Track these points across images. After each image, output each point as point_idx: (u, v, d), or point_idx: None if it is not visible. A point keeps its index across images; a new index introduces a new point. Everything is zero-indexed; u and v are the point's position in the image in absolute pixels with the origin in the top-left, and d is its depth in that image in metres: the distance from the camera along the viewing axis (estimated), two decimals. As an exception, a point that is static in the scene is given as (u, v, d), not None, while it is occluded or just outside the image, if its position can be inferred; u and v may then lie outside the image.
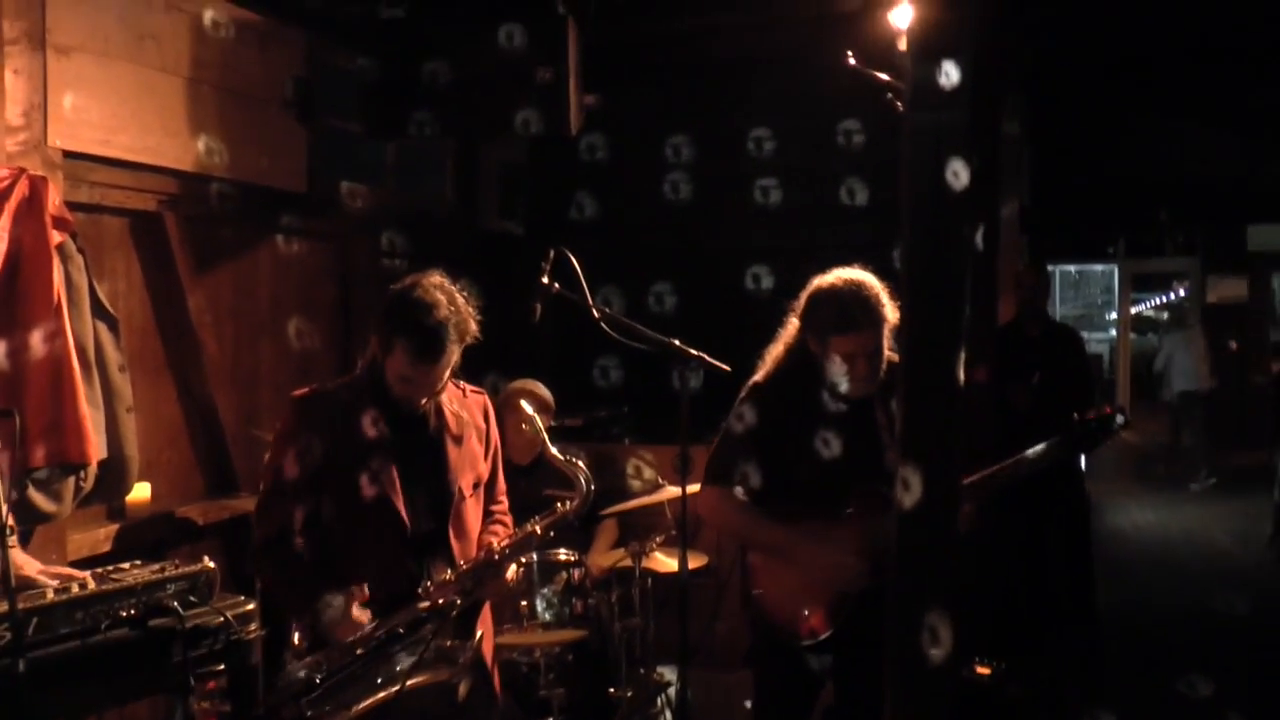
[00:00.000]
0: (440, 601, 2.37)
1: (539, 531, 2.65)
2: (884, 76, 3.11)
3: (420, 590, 2.52)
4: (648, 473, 4.41)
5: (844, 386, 2.87)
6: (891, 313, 2.84)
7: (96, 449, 3.08)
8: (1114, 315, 16.05)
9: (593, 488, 2.71)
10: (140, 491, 3.59)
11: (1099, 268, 18.64)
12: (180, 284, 3.75)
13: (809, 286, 2.95)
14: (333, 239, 4.59)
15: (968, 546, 4.31)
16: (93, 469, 3.11)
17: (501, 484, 2.95)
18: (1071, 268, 19.44)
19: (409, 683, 2.35)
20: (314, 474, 2.57)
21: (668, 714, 3.87)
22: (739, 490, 2.93)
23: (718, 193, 5.95)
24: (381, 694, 2.33)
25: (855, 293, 2.84)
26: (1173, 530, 8.73)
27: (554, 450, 2.72)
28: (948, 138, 1.97)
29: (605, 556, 3.97)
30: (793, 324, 3.04)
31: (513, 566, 2.67)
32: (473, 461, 2.77)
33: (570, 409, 5.21)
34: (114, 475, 3.24)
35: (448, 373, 2.66)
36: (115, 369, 3.23)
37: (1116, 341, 14.33)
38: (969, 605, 4.37)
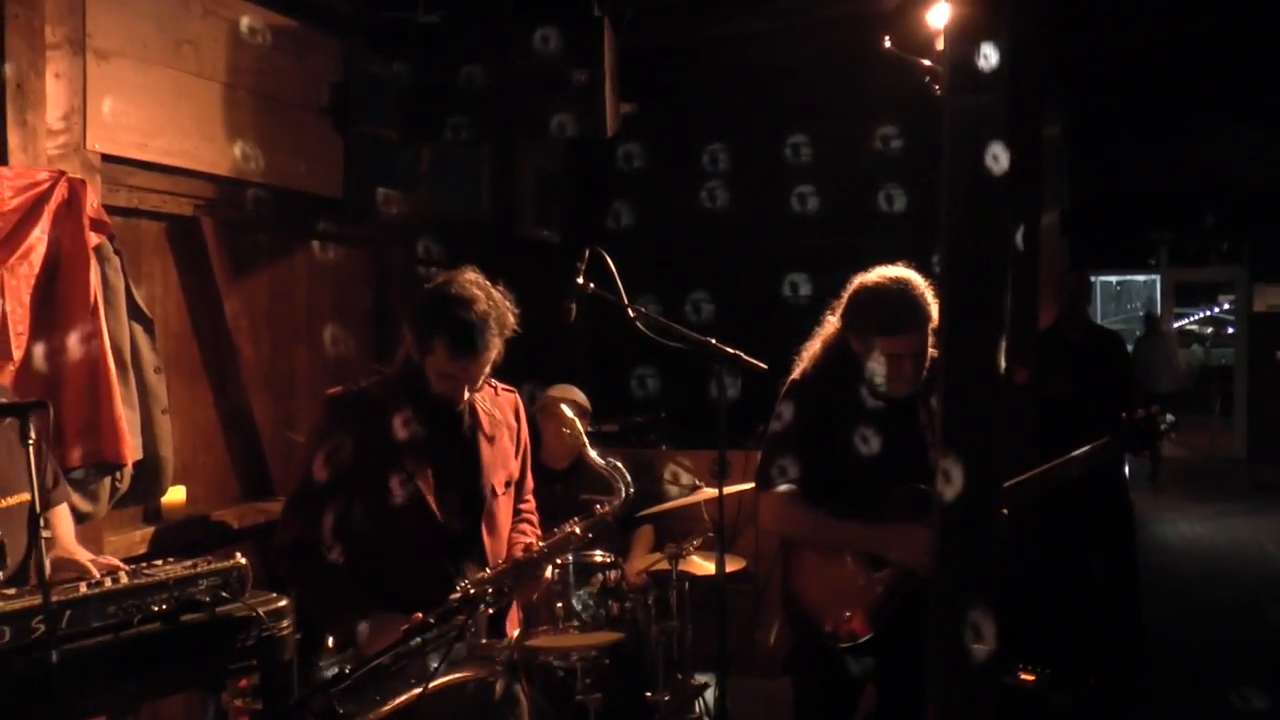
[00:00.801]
0: (472, 591, 2.33)
1: (579, 533, 2.63)
2: (924, 62, 3.07)
3: (456, 591, 2.49)
4: (685, 477, 4.38)
5: (886, 387, 2.82)
6: (936, 312, 2.79)
7: (132, 450, 3.09)
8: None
9: (632, 491, 2.68)
10: (176, 494, 3.60)
11: (1141, 278, 18.39)
12: (217, 288, 3.76)
13: (851, 285, 2.90)
14: (368, 245, 4.60)
15: (1011, 553, 4.26)
16: (128, 470, 3.12)
17: (529, 483, 2.93)
18: (1113, 278, 19.18)
19: (444, 679, 2.32)
20: (346, 474, 2.55)
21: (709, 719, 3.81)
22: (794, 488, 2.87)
23: (754, 200, 5.94)
24: (413, 691, 2.31)
25: (902, 292, 2.79)
26: (1220, 542, 8.55)
27: (594, 454, 2.69)
28: (987, 121, 1.94)
29: (642, 561, 3.93)
30: (831, 322, 3.00)
31: (549, 567, 2.63)
32: (504, 460, 2.75)
33: (607, 415, 5.18)
34: (149, 476, 3.25)
35: (489, 368, 2.65)
36: (151, 370, 3.25)
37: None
38: (1014, 612, 4.30)
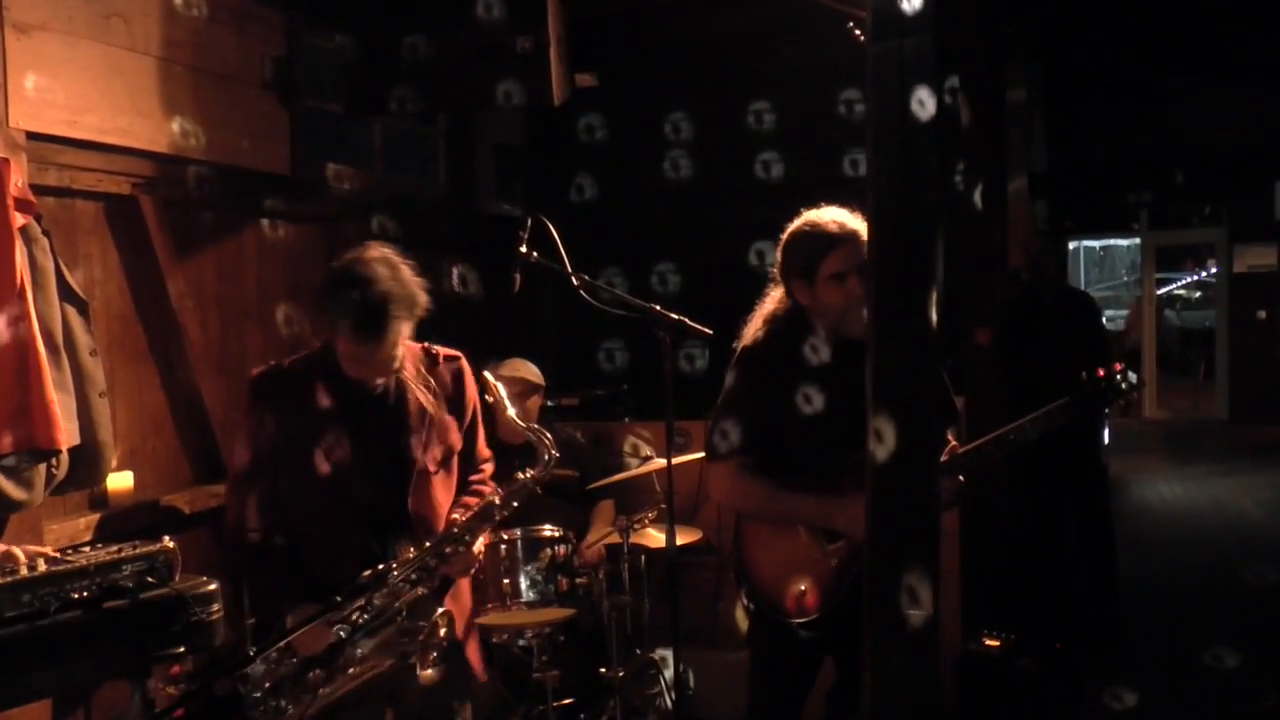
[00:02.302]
0: (394, 570, 2.26)
1: (498, 501, 2.55)
2: (852, 9, 2.99)
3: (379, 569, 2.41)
4: (645, 449, 4.31)
5: (843, 324, 2.73)
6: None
7: (67, 435, 3.01)
8: (1138, 295, 15.77)
9: (556, 455, 2.60)
10: (122, 480, 3.53)
11: (1124, 243, 18.35)
12: (159, 269, 3.67)
13: (783, 240, 2.85)
14: (320, 222, 4.51)
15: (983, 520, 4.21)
16: (64, 456, 3.04)
17: (482, 451, 2.82)
18: (1095, 244, 19.14)
19: (370, 668, 2.27)
20: (272, 454, 2.48)
21: (668, 696, 3.76)
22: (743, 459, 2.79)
23: (719, 169, 5.85)
24: (341, 680, 2.26)
25: (823, 216, 2.78)
26: (1200, 503, 8.54)
27: (512, 414, 2.60)
28: (911, 65, 1.86)
29: (596, 535, 3.87)
30: (775, 291, 2.94)
31: (480, 542, 2.56)
32: (442, 434, 2.65)
33: (568, 389, 5.12)
34: (88, 462, 3.17)
35: (399, 349, 2.52)
36: (86, 353, 3.16)
37: (1141, 317, 14.04)
38: (980, 577, 4.26)
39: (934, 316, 1.85)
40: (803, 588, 2.78)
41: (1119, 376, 2.95)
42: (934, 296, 1.84)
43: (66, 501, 3.37)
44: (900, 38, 1.85)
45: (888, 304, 1.87)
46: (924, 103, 1.84)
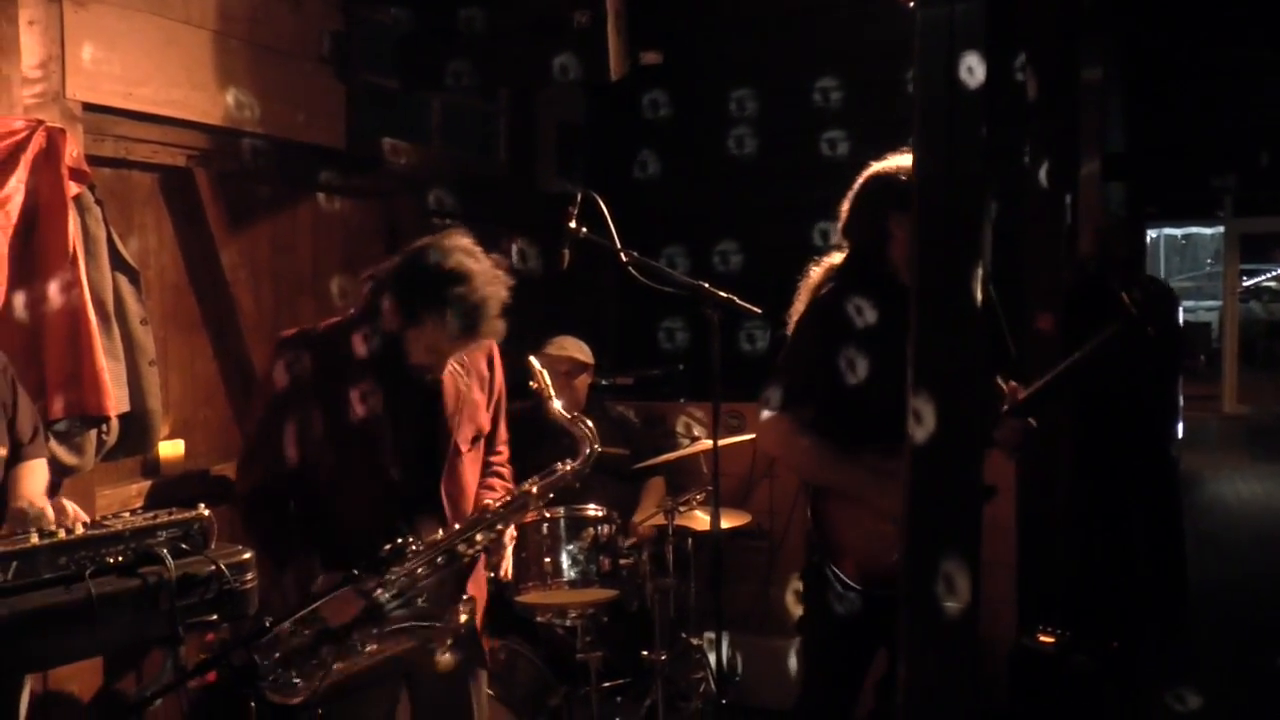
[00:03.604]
0: (413, 547, 2.21)
1: (535, 492, 2.50)
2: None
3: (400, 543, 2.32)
4: (697, 429, 4.25)
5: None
6: None
7: (117, 402, 3.04)
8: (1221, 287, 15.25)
9: (597, 448, 2.54)
10: (174, 449, 3.57)
11: (1207, 230, 17.74)
12: (213, 240, 3.70)
13: (882, 170, 2.75)
14: (376, 197, 4.51)
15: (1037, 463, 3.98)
16: (114, 422, 3.08)
17: (503, 434, 2.78)
18: (1177, 231, 18.53)
19: (387, 647, 2.24)
20: (298, 422, 2.45)
21: (712, 680, 3.70)
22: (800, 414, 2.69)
23: (784, 147, 5.74)
24: (355, 658, 2.23)
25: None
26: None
27: (559, 409, 2.55)
28: (962, 30, 1.77)
29: (645, 513, 3.81)
30: (838, 253, 2.86)
31: (510, 529, 2.51)
32: (472, 413, 2.61)
33: (624, 368, 5.08)
34: (138, 429, 3.21)
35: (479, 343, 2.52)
36: (136, 322, 3.19)
37: (1224, 309, 13.56)
38: (1037, 570, 4.13)
39: (978, 294, 1.76)
40: (881, 560, 2.65)
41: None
42: (979, 273, 1.76)
43: (119, 468, 3.42)
44: (951, 2, 1.77)
45: (931, 280, 1.79)
46: (974, 70, 1.75)
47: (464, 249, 2.45)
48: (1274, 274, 17.98)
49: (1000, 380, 2.91)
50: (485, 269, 2.43)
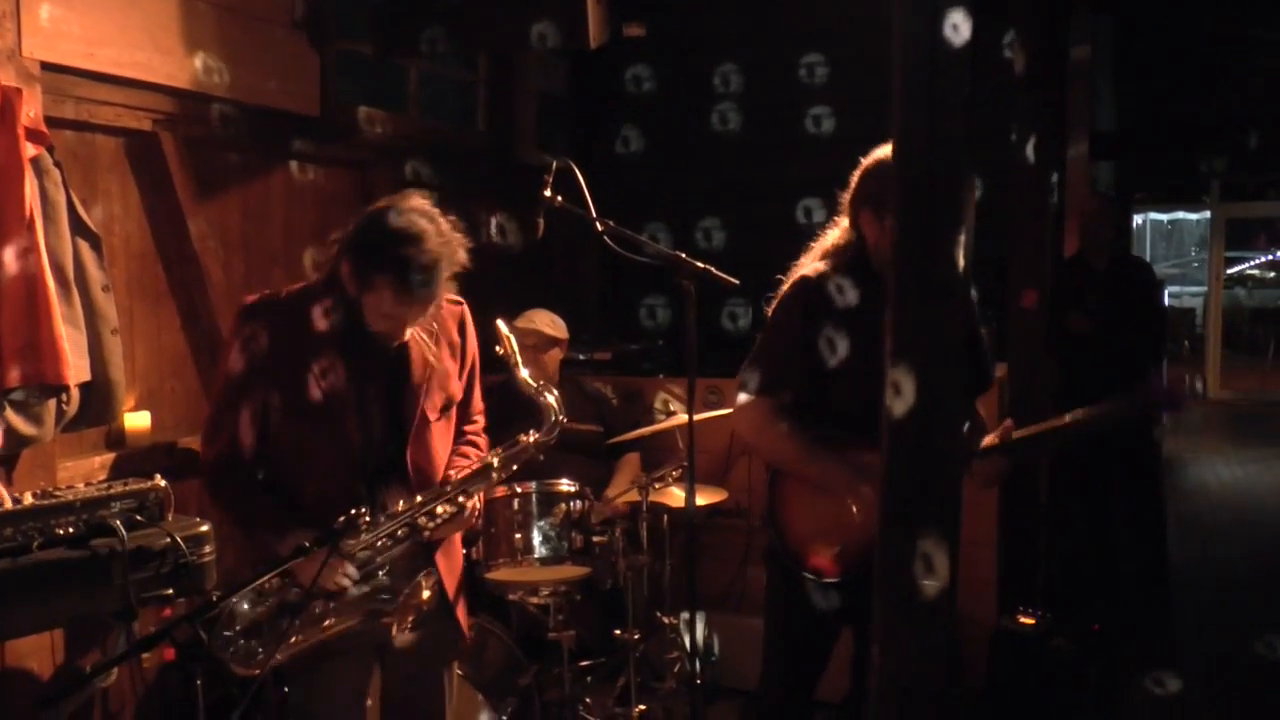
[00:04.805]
0: (353, 513, 2.11)
1: (497, 464, 2.41)
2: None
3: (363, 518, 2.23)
4: (675, 405, 4.18)
5: None
6: None
7: (76, 371, 2.95)
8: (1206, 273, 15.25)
9: (562, 419, 2.44)
10: (139, 420, 3.49)
11: (1193, 217, 17.72)
12: (180, 208, 3.60)
13: (864, 165, 2.70)
14: (351, 166, 4.42)
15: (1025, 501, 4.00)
16: (74, 392, 2.99)
17: (478, 403, 2.70)
18: (1163, 217, 18.50)
19: (342, 620, 2.17)
20: (264, 386, 2.37)
21: (687, 660, 3.64)
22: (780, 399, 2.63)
23: (768, 123, 5.67)
24: (309, 633, 2.16)
25: None
26: (1262, 487, 8.23)
27: (525, 375, 2.45)
28: (946, -14, 1.70)
29: (617, 489, 3.75)
30: (838, 224, 2.79)
31: (473, 501, 2.42)
32: (442, 381, 2.52)
33: (602, 343, 5.01)
34: (100, 399, 3.11)
35: (434, 308, 2.42)
36: (98, 289, 3.10)
37: (1209, 295, 13.55)
38: (1019, 552, 4.09)
39: (961, 261, 1.69)
40: (837, 547, 2.62)
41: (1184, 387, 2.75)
42: (961, 239, 1.69)
43: (81, 440, 3.33)
44: (933, -45, 1.69)
45: (911, 246, 1.71)
46: (958, 28, 1.67)
47: (419, 210, 2.37)
48: (1258, 261, 17.99)
49: (978, 409, 2.86)
50: (438, 230, 2.34)
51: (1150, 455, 5.29)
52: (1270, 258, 17.67)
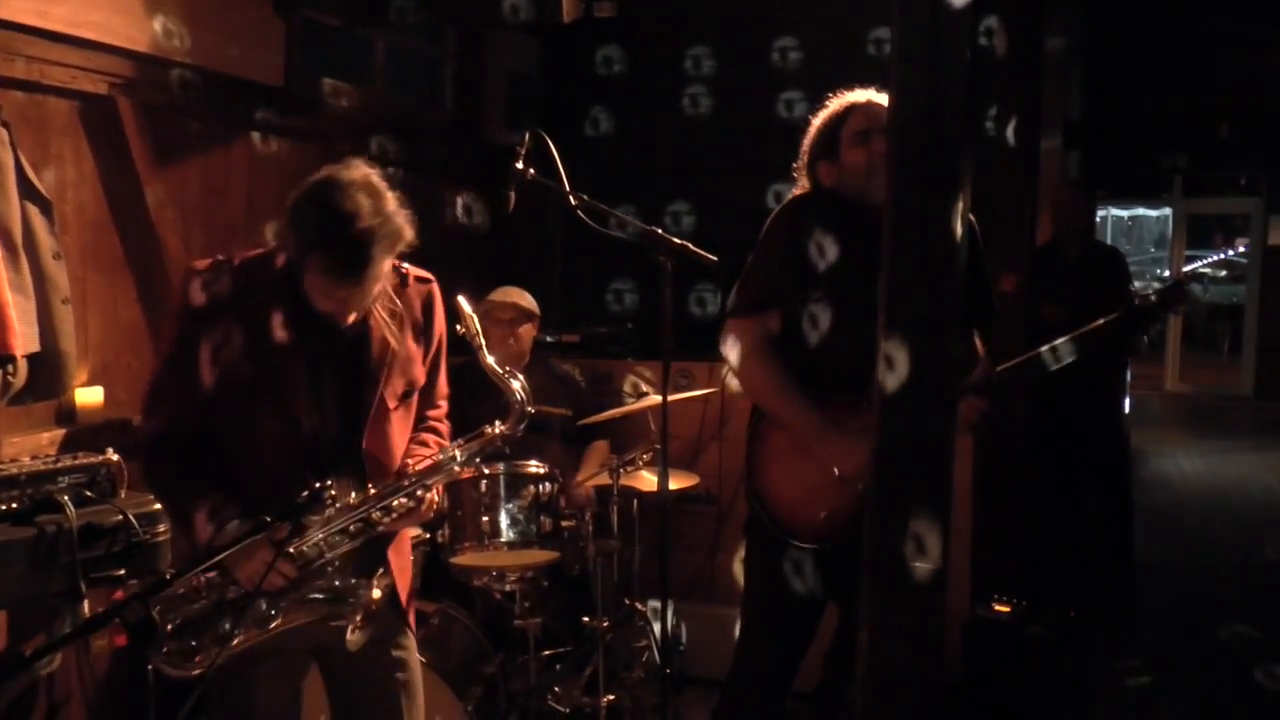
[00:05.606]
0: (319, 486, 1.97)
1: (459, 456, 2.26)
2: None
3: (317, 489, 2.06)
4: (645, 388, 4.10)
5: (874, 181, 2.52)
6: None
7: (24, 340, 2.83)
8: (1168, 272, 15.41)
9: (529, 410, 2.28)
10: (92, 396, 3.35)
11: (1153, 213, 17.88)
12: (137, 176, 3.46)
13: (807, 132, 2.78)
14: (317, 140, 4.29)
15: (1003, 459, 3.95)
16: (21, 362, 2.86)
17: (442, 388, 2.52)
18: (1124, 213, 18.67)
19: (290, 619, 2.05)
20: (208, 360, 2.18)
21: (656, 650, 3.57)
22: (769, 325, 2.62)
23: (739, 107, 5.60)
24: (258, 630, 2.05)
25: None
26: (1223, 478, 8.30)
27: (490, 360, 2.31)
28: (948, -59, 1.63)
29: (585, 474, 3.66)
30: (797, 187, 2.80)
31: (431, 494, 2.26)
32: (405, 366, 2.34)
33: (570, 325, 4.92)
34: (49, 371, 2.98)
35: (377, 286, 2.21)
36: (49, 256, 2.97)
37: (1169, 288, 13.65)
38: (992, 539, 4.06)
39: (958, 229, 1.62)
40: (819, 511, 2.55)
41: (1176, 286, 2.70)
42: (959, 206, 1.62)
43: (29, 414, 3.19)
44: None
45: (906, 211, 1.64)
46: (960, -13, 1.60)
47: (359, 182, 2.13)
48: (1211, 260, 18.19)
49: (978, 340, 2.80)
50: (375, 206, 2.11)
51: (1120, 442, 5.31)
52: (1223, 256, 17.85)
